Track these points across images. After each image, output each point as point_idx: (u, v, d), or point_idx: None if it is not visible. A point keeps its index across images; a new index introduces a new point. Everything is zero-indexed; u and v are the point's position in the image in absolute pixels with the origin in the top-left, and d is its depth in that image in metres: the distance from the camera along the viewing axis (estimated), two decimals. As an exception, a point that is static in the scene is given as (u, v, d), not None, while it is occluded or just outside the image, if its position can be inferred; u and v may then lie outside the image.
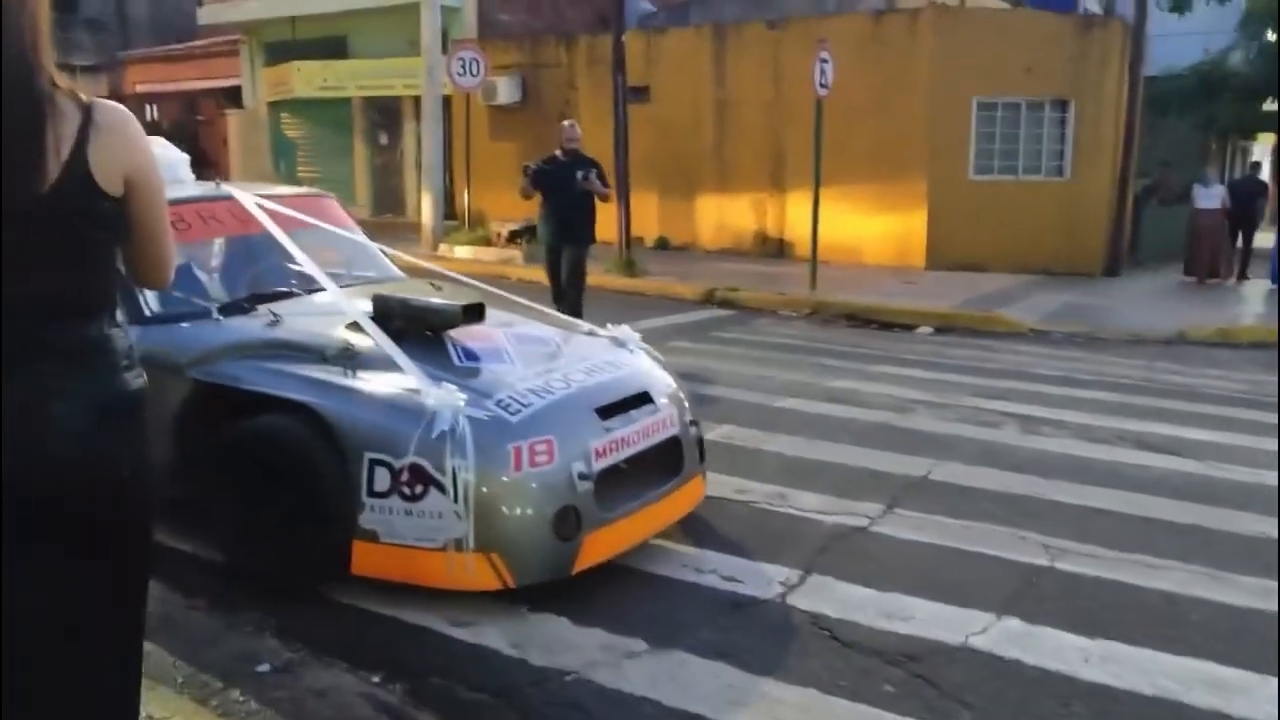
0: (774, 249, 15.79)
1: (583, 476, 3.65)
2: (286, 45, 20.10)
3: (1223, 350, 9.90)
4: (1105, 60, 14.64)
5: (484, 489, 3.45)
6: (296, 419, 3.63)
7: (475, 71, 14.75)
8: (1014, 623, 3.59)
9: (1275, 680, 3.18)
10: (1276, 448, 5.03)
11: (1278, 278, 14.09)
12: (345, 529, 3.54)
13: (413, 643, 3.41)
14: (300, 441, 3.60)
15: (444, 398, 3.51)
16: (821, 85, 11.90)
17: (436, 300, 4.22)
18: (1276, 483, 4.83)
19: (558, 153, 8.36)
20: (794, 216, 15.31)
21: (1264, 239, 16.42)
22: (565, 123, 8.66)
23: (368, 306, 4.06)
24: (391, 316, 4.01)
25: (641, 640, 3.41)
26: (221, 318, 4.12)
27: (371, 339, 3.84)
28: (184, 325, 4.06)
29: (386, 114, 20.06)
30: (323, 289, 4.40)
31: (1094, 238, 14.78)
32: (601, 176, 8.37)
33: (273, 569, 3.71)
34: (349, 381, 3.70)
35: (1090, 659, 3.35)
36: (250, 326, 4.08)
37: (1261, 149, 30.46)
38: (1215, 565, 4.11)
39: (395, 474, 3.45)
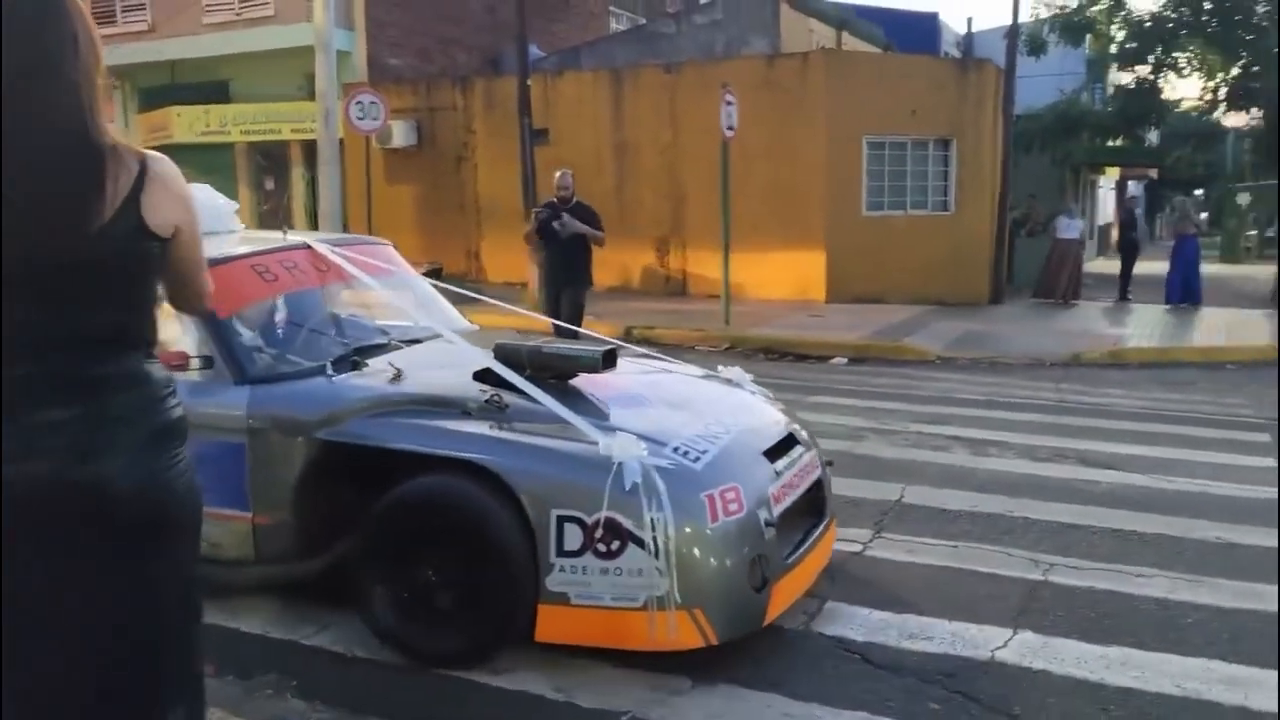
0: (677, 287, 16.03)
1: (768, 524, 3.52)
2: (164, 89, 19.44)
3: (1114, 371, 10.53)
4: (981, 101, 15.51)
5: (684, 542, 3.27)
6: (463, 478, 3.42)
7: (375, 115, 14.54)
8: (1029, 635, 3.75)
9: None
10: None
11: (1182, 298, 15.51)
12: (529, 593, 3.33)
13: (453, 694, 3.34)
14: (471, 502, 3.38)
15: (626, 447, 3.35)
16: (728, 128, 12.22)
17: (571, 346, 4.15)
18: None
19: (554, 199, 8.81)
20: (695, 255, 15.61)
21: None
22: (558, 172, 8.96)
23: (487, 355, 3.90)
24: (521, 365, 3.84)
25: (685, 678, 3.41)
26: (336, 374, 3.88)
27: (519, 389, 3.69)
28: (296, 385, 3.83)
29: (272, 159, 19.57)
30: (419, 340, 4.37)
31: (978, 268, 15.57)
32: (594, 221, 8.74)
33: (441, 642, 3.47)
34: (519, 436, 3.55)
35: (1111, 665, 3.52)
36: (373, 382, 3.86)
37: (1106, 181, 32.74)
38: (1193, 571, 4.38)
39: (588, 531, 3.25)
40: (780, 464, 3.82)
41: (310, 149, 16.81)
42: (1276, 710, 2.74)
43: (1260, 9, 17.80)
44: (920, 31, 26.76)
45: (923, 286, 14.90)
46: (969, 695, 3.32)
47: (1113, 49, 20.09)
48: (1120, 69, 21.16)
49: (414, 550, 3.48)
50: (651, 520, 3.21)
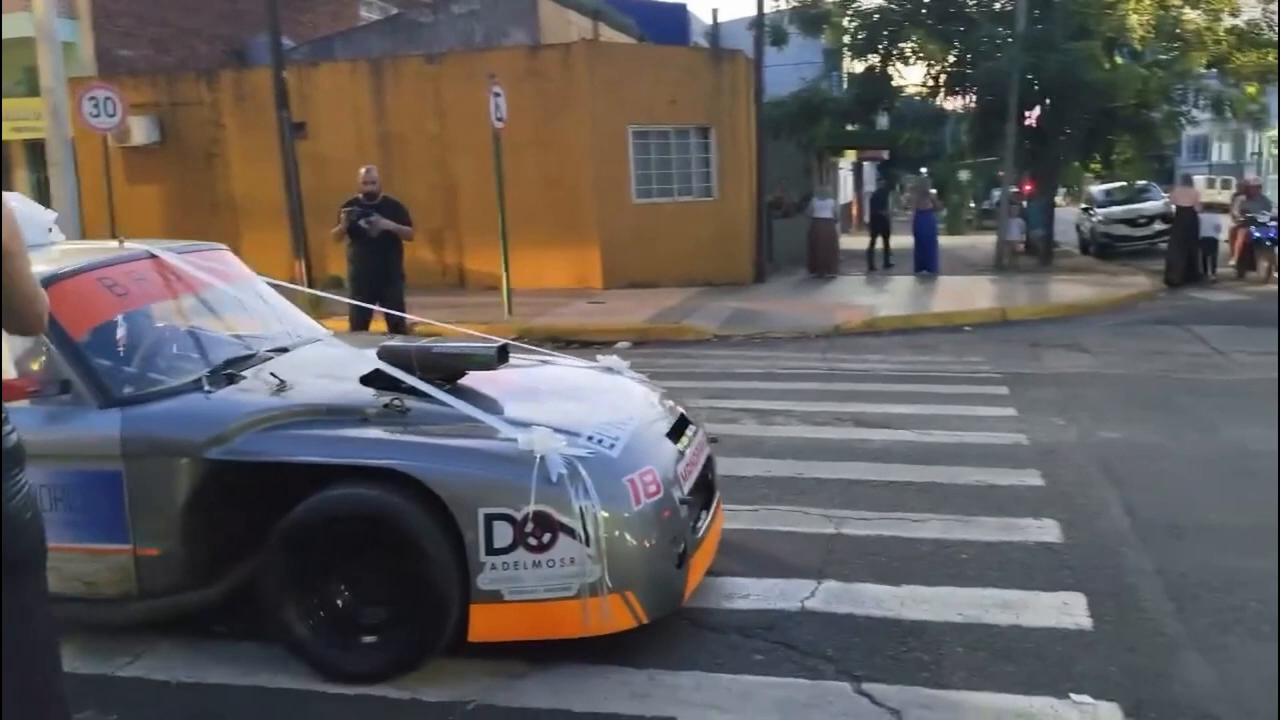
0: (454, 280, 15.90)
1: (682, 502, 3.63)
2: None
3: (870, 338, 11.43)
4: (735, 90, 16.27)
5: (612, 527, 3.31)
6: (374, 486, 3.32)
7: (111, 111, 13.49)
8: (832, 584, 4.11)
9: (1048, 593, 3.93)
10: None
11: (922, 267, 17.33)
12: (453, 596, 3.26)
13: (289, 706, 3.29)
14: (387, 509, 3.28)
15: (544, 440, 3.34)
16: (498, 119, 12.24)
17: (461, 345, 4.03)
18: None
19: (359, 196, 8.56)
20: (471, 247, 15.54)
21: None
22: (363, 169, 8.72)
23: (370, 359, 3.78)
24: (409, 366, 3.73)
25: (522, 661, 3.50)
26: (212, 390, 3.64)
27: (414, 392, 3.62)
28: (172, 404, 3.56)
29: (-10, 161, 17.75)
30: (285, 348, 4.18)
31: (742, 250, 16.37)
32: (403, 217, 8.58)
33: (366, 657, 3.37)
34: (432, 438, 3.46)
35: (904, 602, 3.93)
36: (257, 395, 3.65)
37: (846, 163, 35.07)
38: (961, 512, 4.92)
39: (518, 526, 3.23)
40: (681, 444, 3.94)
41: (35, 149, 15.43)
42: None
43: (970, 3, 19.61)
44: (670, 22, 27.59)
45: (692, 269, 15.51)
46: (787, 644, 3.61)
47: (846, 39, 21.51)
48: (854, 58, 22.68)
49: (327, 565, 3.38)
50: (580, 509, 3.25)
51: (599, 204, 15.31)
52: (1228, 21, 18.58)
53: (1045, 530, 4.65)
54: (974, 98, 19.65)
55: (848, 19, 20.43)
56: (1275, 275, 15.12)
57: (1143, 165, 20.87)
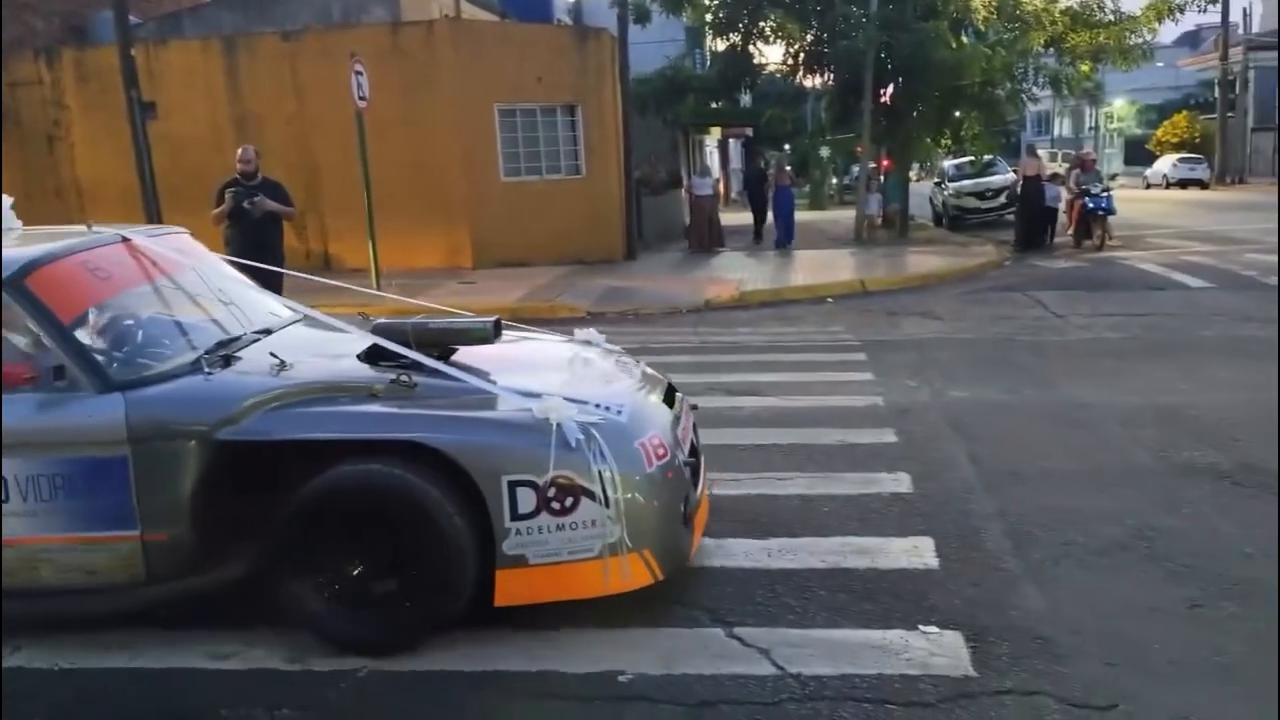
0: (320, 264, 15.58)
1: (684, 464, 3.77)
2: None
3: (739, 311, 11.79)
4: (601, 68, 16.40)
5: (629, 489, 3.42)
6: (388, 460, 3.35)
7: (-60, 91, 12.75)
8: (708, 541, 4.32)
9: (901, 539, 4.26)
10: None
11: (781, 240, 18.34)
12: (476, 563, 3.35)
13: (188, 688, 3.33)
14: (404, 483, 3.32)
15: (558, 408, 3.43)
16: (360, 98, 12.06)
17: (457, 321, 4.12)
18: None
19: (236, 176, 8.42)
20: (335, 229, 15.27)
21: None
22: (240, 148, 8.59)
23: (364, 336, 3.85)
24: (406, 342, 3.76)
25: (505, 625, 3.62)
26: (212, 372, 3.59)
27: (417, 367, 3.67)
28: (175, 386, 3.50)
29: None
30: (268, 329, 4.17)
31: (612, 227, 16.56)
32: (284, 197, 8.45)
33: (380, 628, 3.42)
34: (448, 411, 3.50)
35: (772, 553, 4.19)
36: (260, 376, 3.61)
37: (711, 140, 35.63)
38: (823, 470, 5.24)
39: (541, 492, 3.32)
40: (675, 410, 4.09)
41: None
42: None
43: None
44: (533, 0, 27.48)
45: (563, 247, 15.62)
46: (676, 600, 3.80)
47: (708, 18, 21.86)
48: (716, 36, 23.06)
49: (343, 541, 3.41)
50: (599, 472, 3.37)
51: (467, 183, 15.25)
52: (1063, 3, 19.63)
53: (899, 482, 5.00)
54: (832, 76, 20.25)
55: (708, -2, 20.75)
56: (1109, 242, 16.20)
57: (989, 140, 21.88)
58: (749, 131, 34.77)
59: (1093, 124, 59.46)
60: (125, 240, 4.12)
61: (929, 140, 21.11)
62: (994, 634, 3.41)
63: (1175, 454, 5.27)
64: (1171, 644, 3.31)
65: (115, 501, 3.38)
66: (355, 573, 3.43)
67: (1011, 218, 22.06)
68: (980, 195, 22.49)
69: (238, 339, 4.02)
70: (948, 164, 25.00)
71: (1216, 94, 39.10)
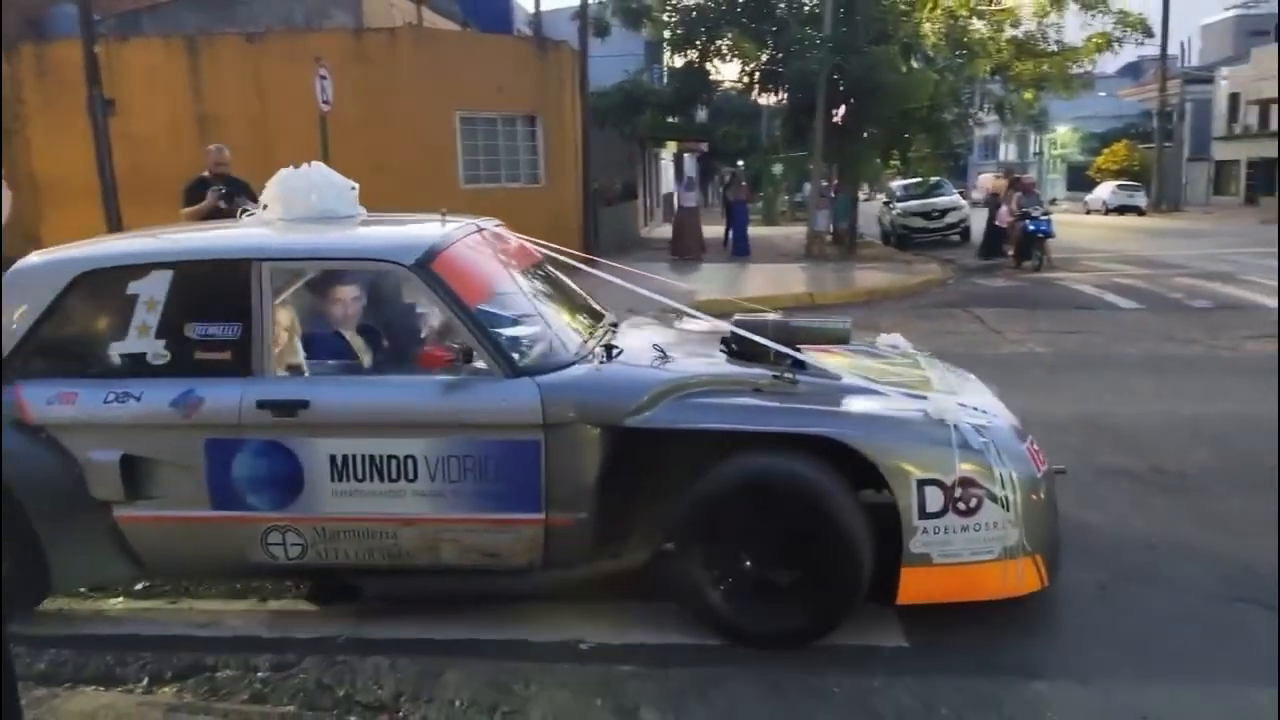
0: (277, 264, 15.67)
1: (1057, 471, 3.80)
2: None
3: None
4: (561, 80, 16.74)
5: (1025, 492, 3.39)
6: (786, 454, 3.39)
7: (-104, 82, 12.68)
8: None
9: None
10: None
11: (736, 251, 19.07)
12: (870, 559, 3.35)
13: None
14: (806, 476, 3.36)
15: (950, 409, 3.46)
16: (324, 102, 12.23)
17: (815, 320, 4.20)
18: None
19: (205, 174, 8.30)
20: (295, 231, 15.35)
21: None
22: (212, 147, 8.46)
23: (712, 334, 4.00)
24: (766, 338, 3.83)
25: (375, 601, 3.88)
26: (604, 361, 3.66)
27: (807, 363, 3.75)
28: (582, 373, 3.53)
29: None
30: (617, 324, 4.28)
31: (570, 236, 16.76)
32: (254, 197, 8.17)
33: (779, 622, 3.43)
34: (847, 407, 3.55)
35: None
36: (654, 367, 3.65)
37: (667, 154, 36.09)
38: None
39: (948, 491, 3.31)
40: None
41: None
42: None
43: (782, 5, 20.73)
44: (493, 10, 27.76)
45: (520, 254, 15.86)
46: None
47: (666, 34, 22.30)
48: (674, 53, 23.52)
49: (744, 532, 3.42)
50: (1000, 474, 3.36)
51: (428, 189, 15.37)
52: (1009, 32, 20.38)
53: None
54: (786, 95, 20.78)
55: (667, 14, 21.19)
56: (1048, 261, 16.85)
57: (936, 162, 22.63)
58: (704, 147, 35.29)
59: (1037, 149, 61.10)
60: (480, 230, 4.17)
61: (878, 160, 21.74)
62: (930, 611, 3.70)
63: (1095, 457, 5.68)
64: (1082, 618, 3.69)
65: (524, 485, 3.41)
66: (751, 566, 3.44)
67: (957, 238, 22.86)
68: (926, 215, 23.16)
69: (606, 329, 4.11)
70: (896, 184, 25.70)
71: (1155, 124, 40.48)
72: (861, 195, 24.24)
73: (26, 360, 3.59)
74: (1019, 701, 3.07)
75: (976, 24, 20.34)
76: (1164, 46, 36.81)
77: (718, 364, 3.83)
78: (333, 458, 3.43)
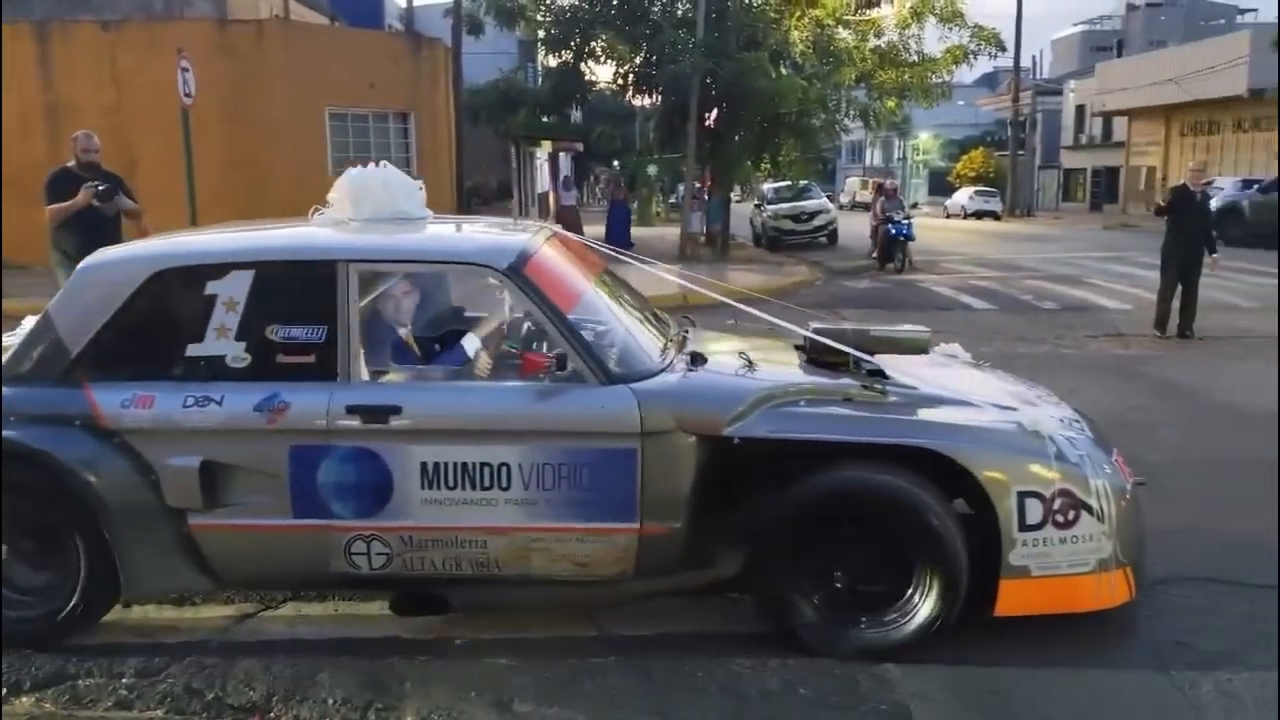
0: (135, 262, 15.05)
1: (1139, 483, 3.76)
2: None
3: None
4: (434, 77, 16.60)
5: (1117, 504, 3.41)
6: (878, 466, 3.35)
7: None
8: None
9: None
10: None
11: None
12: (966, 571, 3.33)
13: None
14: (902, 488, 3.32)
15: (1044, 420, 3.47)
16: (186, 94, 11.81)
17: (895, 329, 4.16)
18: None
19: (70, 165, 7.36)
20: (158, 225, 14.75)
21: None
22: (79, 134, 7.48)
23: (787, 341, 4.00)
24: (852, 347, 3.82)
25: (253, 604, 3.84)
26: (694, 369, 3.57)
27: (888, 373, 3.71)
28: (677, 381, 3.47)
29: None
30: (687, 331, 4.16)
31: (444, 235, 16.71)
32: (127, 192, 7.48)
33: (870, 636, 3.39)
34: (941, 418, 3.53)
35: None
36: (743, 375, 3.59)
37: (542, 153, 36.03)
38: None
39: (1047, 504, 3.30)
40: None
41: None
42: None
43: (655, 9, 20.99)
44: (364, 5, 27.24)
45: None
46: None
47: (541, 34, 22.29)
48: (549, 52, 23.52)
49: (839, 543, 3.41)
50: (1095, 486, 3.37)
51: (295, 186, 15.00)
52: (873, 42, 21.11)
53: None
54: (660, 97, 21.04)
55: (541, 14, 21.19)
56: (910, 264, 17.57)
57: (805, 166, 23.22)
58: (580, 147, 35.38)
59: (901, 155, 63.39)
60: (555, 234, 4.12)
61: (749, 164, 22.20)
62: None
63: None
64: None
65: (620, 493, 3.34)
66: (845, 578, 3.44)
67: (825, 240, 23.59)
68: (796, 218, 23.80)
69: (680, 335, 4.04)
70: (767, 187, 26.31)
71: (1009, 133, 42.55)
72: (734, 197, 24.72)
73: (98, 362, 3.46)
74: (874, 680, 3.24)
75: (843, 33, 20.99)
76: (1017, 59, 38.79)
77: (804, 372, 3.84)
78: (424, 465, 3.36)
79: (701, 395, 3.45)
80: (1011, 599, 3.35)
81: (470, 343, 3.76)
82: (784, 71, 20.21)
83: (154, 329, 3.55)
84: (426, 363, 3.75)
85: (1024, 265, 18.78)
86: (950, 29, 20.13)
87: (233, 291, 3.44)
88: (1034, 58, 53.67)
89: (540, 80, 26.00)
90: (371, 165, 4.11)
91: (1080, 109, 46.26)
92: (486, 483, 3.35)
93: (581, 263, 4.10)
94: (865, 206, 19.53)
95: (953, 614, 3.35)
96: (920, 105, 21.84)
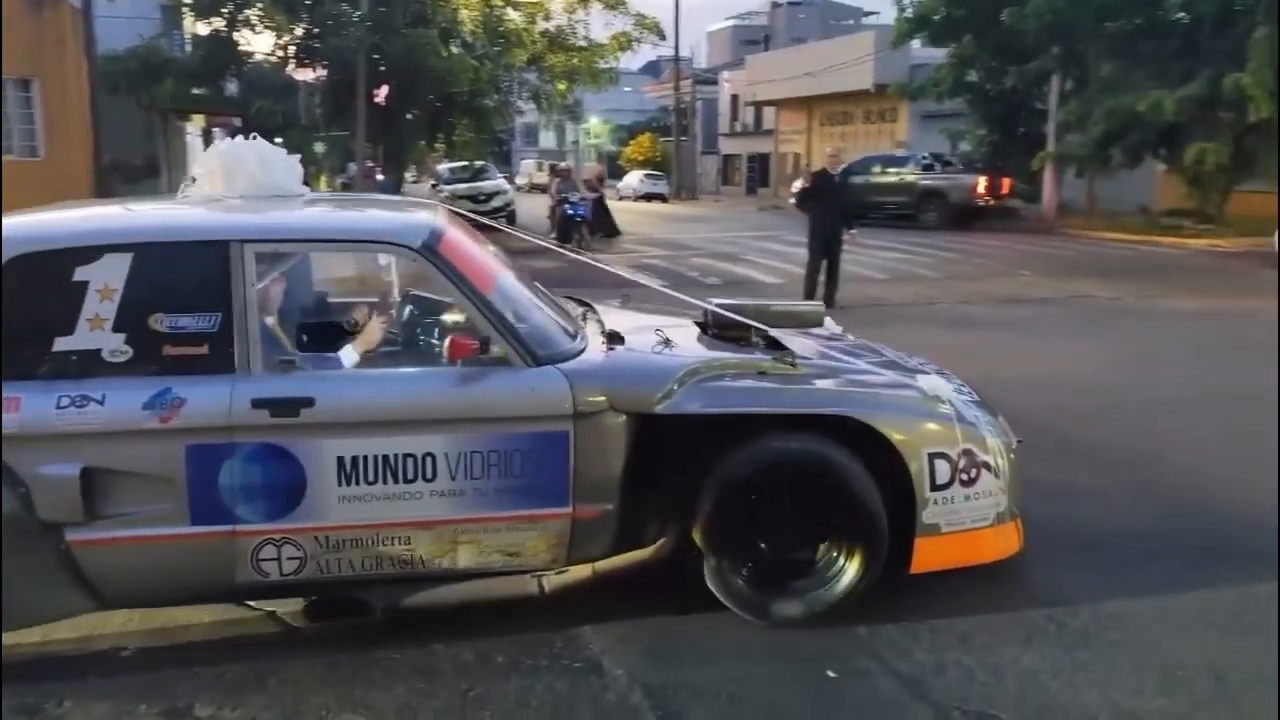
0: None
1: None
2: None
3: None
4: (62, 41, 14.90)
5: (1011, 460, 3.62)
6: (808, 436, 3.40)
7: None
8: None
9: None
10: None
11: None
12: (889, 532, 3.40)
13: None
14: (824, 456, 3.38)
15: (940, 386, 3.67)
16: None
17: (791, 305, 4.29)
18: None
19: None
20: None
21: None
22: None
23: (686, 320, 4.00)
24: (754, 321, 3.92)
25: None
26: (614, 348, 3.54)
27: (786, 345, 3.79)
28: (603, 361, 3.41)
29: None
30: (594, 308, 4.16)
31: (82, 216, 15.08)
32: None
33: (803, 601, 3.43)
34: (854, 387, 3.69)
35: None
36: (665, 353, 3.57)
37: (195, 128, 33.44)
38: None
39: (953, 463, 3.44)
40: None
41: None
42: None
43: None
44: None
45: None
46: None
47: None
48: (197, 19, 21.81)
49: (768, 514, 3.41)
50: (991, 445, 3.57)
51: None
52: (542, 25, 21.47)
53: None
54: (325, 72, 20.20)
55: (185, -23, 19.66)
56: (587, 243, 18.10)
57: (480, 147, 23.26)
58: (238, 121, 33.14)
59: (574, 139, 64.97)
60: (453, 213, 3.96)
61: (422, 143, 21.92)
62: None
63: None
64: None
65: (551, 477, 3.24)
66: (775, 547, 3.45)
67: (504, 221, 23.78)
68: (474, 199, 23.72)
69: (586, 314, 4.01)
70: (443, 168, 26.04)
71: (673, 119, 44.87)
72: (409, 178, 24.29)
73: None
74: (565, 640, 3.33)
75: (512, 14, 21.18)
76: (676, 48, 40.90)
77: (717, 348, 3.84)
78: (340, 459, 3.12)
79: (630, 374, 3.43)
80: (925, 556, 3.48)
81: (348, 356, 3.45)
82: (455, 51, 20.08)
83: (15, 322, 3.04)
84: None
85: (690, 244, 19.92)
86: (615, 15, 20.90)
87: (107, 277, 3.05)
88: (691, 48, 56.66)
89: (189, 49, 24.11)
90: (241, 138, 3.79)
91: (735, 99, 49.58)
92: (410, 475, 3.18)
93: (485, 243, 4.02)
94: (542, 189, 19.82)
95: (876, 574, 3.44)
96: (590, 89, 22.51)
